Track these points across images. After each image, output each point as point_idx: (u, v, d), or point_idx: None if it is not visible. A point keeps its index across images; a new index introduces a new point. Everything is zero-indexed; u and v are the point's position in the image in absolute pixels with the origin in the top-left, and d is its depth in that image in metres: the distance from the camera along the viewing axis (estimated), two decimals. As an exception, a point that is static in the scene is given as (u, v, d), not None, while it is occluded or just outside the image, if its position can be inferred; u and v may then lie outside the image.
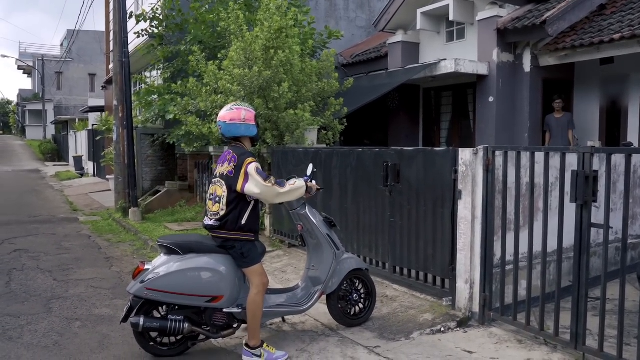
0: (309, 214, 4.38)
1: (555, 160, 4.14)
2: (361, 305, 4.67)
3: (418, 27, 11.26)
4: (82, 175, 22.91)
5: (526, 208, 4.33)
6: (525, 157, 4.23)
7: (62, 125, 34.44)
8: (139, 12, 11.67)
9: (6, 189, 17.63)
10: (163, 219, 10.54)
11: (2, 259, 7.60)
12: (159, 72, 12.59)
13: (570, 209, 3.83)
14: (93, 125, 21.23)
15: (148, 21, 11.45)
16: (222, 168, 4.00)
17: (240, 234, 3.95)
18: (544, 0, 9.97)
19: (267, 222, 8.14)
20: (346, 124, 8.90)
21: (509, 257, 4.39)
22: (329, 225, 4.53)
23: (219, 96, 7.94)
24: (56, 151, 33.49)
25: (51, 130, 39.67)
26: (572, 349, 3.85)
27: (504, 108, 9.85)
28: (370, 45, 14.26)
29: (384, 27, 12.19)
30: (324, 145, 7.97)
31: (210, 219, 4.00)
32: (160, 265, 4.03)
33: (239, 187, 3.85)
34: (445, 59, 9.86)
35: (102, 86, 19.84)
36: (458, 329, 4.50)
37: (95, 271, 6.99)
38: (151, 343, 4.10)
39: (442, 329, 4.47)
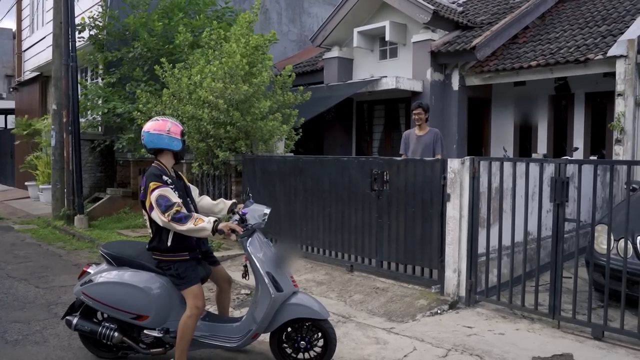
0: (249, 248, 3.86)
1: (525, 169, 5.11)
2: (308, 355, 4.03)
3: (354, 44, 12.19)
4: (-22, 182, 21.22)
5: (503, 208, 5.28)
6: (507, 166, 5.20)
7: (-57, 128, 31.24)
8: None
9: None
10: (110, 225, 10.44)
11: (-40, 269, 7.31)
12: (98, 77, 12.43)
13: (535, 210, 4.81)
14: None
15: (87, 29, 11.41)
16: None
17: (171, 256, 3.83)
18: (469, 28, 11.34)
19: (233, 226, 8.53)
20: (301, 133, 9.53)
21: (492, 248, 5.31)
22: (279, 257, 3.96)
23: (189, 107, 8.20)
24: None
25: None
26: (550, 319, 4.83)
27: (436, 122, 11.01)
28: (301, 59, 15.01)
29: (321, 43, 13.01)
30: (292, 155, 8.55)
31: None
32: (97, 272, 4.11)
33: (150, 213, 3.76)
34: (386, 76, 10.85)
35: (13, 87, 18.64)
36: (451, 310, 5.33)
37: (73, 277, 6.90)
38: (93, 343, 4.25)
39: (439, 311, 5.28)
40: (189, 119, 8.21)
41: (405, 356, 4.29)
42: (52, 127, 11.01)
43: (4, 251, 8.57)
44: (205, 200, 4.29)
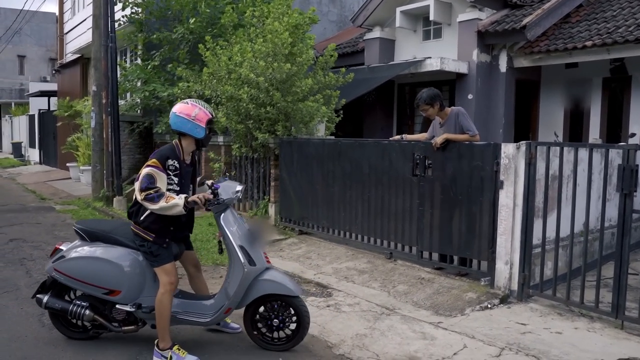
0: (222, 222, 3.90)
1: (589, 155, 4.71)
2: (283, 333, 4.07)
3: (397, 24, 11.75)
4: (23, 162, 21.78)
5: (563, 197, 4.90)
6: (566, 152, 4.81)
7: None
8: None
9: (-52, 177, 16.53)
10: (148, 208, 10.43)
11: (3, 248, 7.36)
12: (137, 58, 12.40)
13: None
14: (40, 110, 20.22)
15: (129, 7, 11.32)
16: None
17: (139, 229, 3.83)
18: (519, 6, 10.76)
19: (271, 210, 8.34)
20: (342, 115, 9.24)
21: (547, 239, 4.95)
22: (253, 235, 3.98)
23: (228, 86, 8.00)
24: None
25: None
26: (613, 318, 4.46)
27: (482, 105, 10.57)
28: (341, 40, 14.63)
29: (362, 23, 12.60)
30: (331, 137, 8.29)
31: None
32: (70, 249, 4.05)
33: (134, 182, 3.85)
34: (431, 57, 10.42)
35: (56, 69, 18.92)
36: (501, 305, 5.01)
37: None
38: (63, 324, 4.21)
39: (489, 306, 4.97)
40: (228, 99, 8.04)
41: (455, 354, 4.02)
42: (92, 108, 11.02)
43: (45, 232, 8.63)
44: None
